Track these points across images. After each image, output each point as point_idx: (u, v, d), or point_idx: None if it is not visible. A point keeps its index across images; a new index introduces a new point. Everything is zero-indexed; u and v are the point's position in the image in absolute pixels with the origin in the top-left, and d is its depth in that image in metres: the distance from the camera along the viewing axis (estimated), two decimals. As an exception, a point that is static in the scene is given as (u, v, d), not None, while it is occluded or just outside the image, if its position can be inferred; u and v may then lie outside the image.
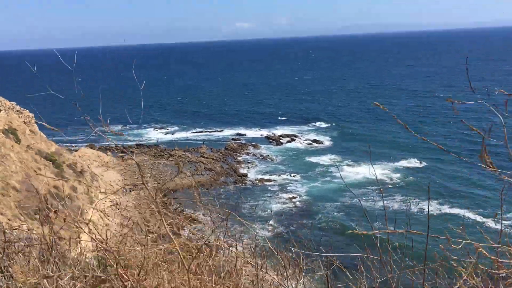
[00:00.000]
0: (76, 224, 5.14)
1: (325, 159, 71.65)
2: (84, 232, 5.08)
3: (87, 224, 5.13)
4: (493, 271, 4.03)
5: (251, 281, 5.29)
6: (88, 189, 47.38)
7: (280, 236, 41.57)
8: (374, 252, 4.91)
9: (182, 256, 4.70)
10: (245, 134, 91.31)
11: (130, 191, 57.50)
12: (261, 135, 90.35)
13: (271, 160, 73.79)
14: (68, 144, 76.80)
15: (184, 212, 51.76)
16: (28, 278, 4.71)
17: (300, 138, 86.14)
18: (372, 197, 54.84)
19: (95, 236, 4.97)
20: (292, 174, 65.66)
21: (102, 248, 4.89)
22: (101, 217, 37.40)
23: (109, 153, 73.45)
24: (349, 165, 67.55)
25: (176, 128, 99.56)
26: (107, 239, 4.99)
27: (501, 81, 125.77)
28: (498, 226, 44.38)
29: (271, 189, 60.58)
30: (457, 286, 4.10)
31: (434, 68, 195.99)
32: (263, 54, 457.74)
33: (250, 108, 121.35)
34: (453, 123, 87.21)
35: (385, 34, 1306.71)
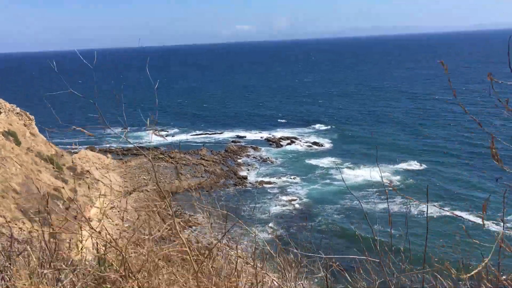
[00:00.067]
0: (84, 223, 5.15)
1: (325, 162, 71.63)
2: (94, 231, 5.08)
3: (99, 221, 5.14)
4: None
5: (250, 283, 5.30)
6: (89, 188, 47.37)
7: (280, 239, 41.54)
8: (373, 255, 4.92)
9: (192, 259, 4.71)
10: (245, 137, 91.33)
11: (130, 193, 57.51)
12: (261, 137, 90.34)
13: (271, 162, 73.78)
14: (68, 147, 76.80)
15: (185, 214, 51.74)
16: (28, 280, 4.72)
17: (300, 141, 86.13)
18: (372, 200, 54.82)
19: (105, 236, 4.98)
20: (292, 177, 65.64)
21: (111, 248, 4.90)
22: (107, 218, 37.36)
23: (109, 155, 73.45)
24: (349, 168, 67.53)
25: (176, 130, 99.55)
26: (117, 239, 5.00)
27: (502, 84, 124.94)
28: (499, 228, 44.35)
29: (271, 191, 60.56)
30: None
31: (434, 71, 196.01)
32: (263, 56, 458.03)
33: (251, 111, 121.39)
34: (453, 126, 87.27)
35: (386, 36, 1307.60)
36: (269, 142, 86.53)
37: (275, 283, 5.19)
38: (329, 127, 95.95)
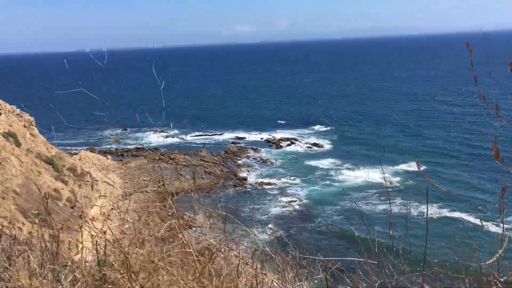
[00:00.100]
0: (87, 224, 5.16)
1: (325, 163, 71.63)
2: (99, 232, 5.09)
3: (105, 220, 5.15)
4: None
5: (250, 284, 5.30)
6: (87, 191, 47.41)
7: (280, 240, 41.53)
8: (373, 256, 4.92)
9: (197, 260, 4.72)
10: (245, 138, 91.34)
11: (130, 194, 57.53)
12: (261, 138, 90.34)
13: (271, 163, 73.77)
14: (68, 148, 76.82)
15: (184, 215, 51.72)
16: (28, 281, 4.72)
17: (300, 142, 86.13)
18: (372, 201, 54.85)
19: (109, 237, 4.99)
20: (292, 178, 65.64)
21: (114, 248, 4.91)
22: (107, 220, 37.39)
23: (109, 156, 73.47)
24: (349, 169, 67.58)
25: (176, 131, 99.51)
26: (120, 239, 5.01)
27: (502, 85, 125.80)
28: (498, 230, 44.37)
29: (271, 192, 60.54)
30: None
31: (434, 72, 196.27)
32: (263, 57, 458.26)
33: (250, 111, 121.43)
34: (453, 127, 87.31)
35: (386, 37, 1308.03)
36: (269, 143, 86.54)
37: (275, 284, 5.19)
38: (329, 128, 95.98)
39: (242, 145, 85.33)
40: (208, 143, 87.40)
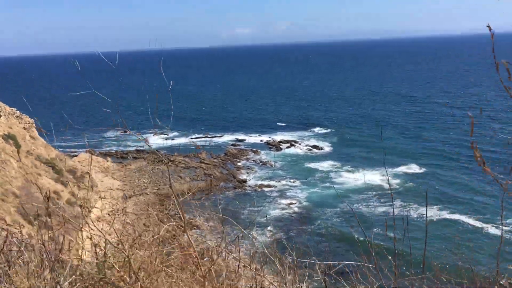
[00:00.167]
0: (89, 225, 5.16)
1: (324, 165, 71.62)
2: (99, 233, 5.09)
3: (107, 222, 5.15)
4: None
5: (250, 286, 5.30)
6: (89, 191, 47.33)
7: (279, 242, 41.51)
8: (372, 259, 4.92)
9: (199, 263, 4.73)
10: (244, 140, 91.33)
11: (130, 196, 57.51)
12: (261, 140, 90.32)
13: (271, 165, 73.74)
14: (68, 150, 76.81)
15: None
16: (27, 284, 4.72)
17: (299, 144, 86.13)
18: (372, 203, 54.84)
19: (112, 238, 4.99)
20: (292, 180, 65.61)
21: (116, 250, 4.91)
22: (107, 221, 37.37)
23: (108, 158, 73.47)
24: (349, 171, 67.58)
25: (175, 133, 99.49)
26: (124, 242, 5.01)
27: (501, 87, 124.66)
28: (498, 232, 44.31)
29: (271, 194, 60.50)
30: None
31: (433, 73, 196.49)
32: (263, 59, 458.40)
33: (250, 114, 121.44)
34: (452, 129, 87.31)
35: (386, 39, 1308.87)
36: (268, 145, 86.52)
37: (273, 286, 5.19)
38: (328, 130, 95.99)
39: (242, 147, 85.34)
40: (208, 145, 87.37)
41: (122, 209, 51.68)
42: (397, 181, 61.34)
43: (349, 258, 5.24)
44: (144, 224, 45.69)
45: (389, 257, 4.82)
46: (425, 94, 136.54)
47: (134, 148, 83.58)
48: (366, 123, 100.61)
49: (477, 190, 56.23)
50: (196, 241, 6.09)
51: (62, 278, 4.79)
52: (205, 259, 5.27)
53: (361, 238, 39.61)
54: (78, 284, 4.79)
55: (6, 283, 4.77)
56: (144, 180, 64.20)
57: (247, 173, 69.76)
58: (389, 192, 57.98)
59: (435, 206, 51.37)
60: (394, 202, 53.77)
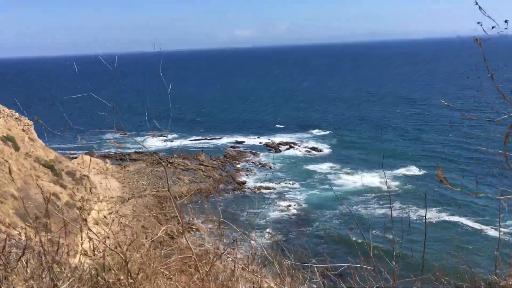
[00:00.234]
0: (87, 229, 5.16)
1: (323, 167, 71.61)
2: (99, 238, 5.09)
3: (105, 224, 5.15)
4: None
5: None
6: (90, 191, 47.35)
7: (278, 244, 41.46)
8: (370, 261, 4.92)
9: (197, 265, 4.73)
10: (244, 142, 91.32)
11: (129, 198, 57.48)
12: (260, 142, 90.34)
13: (270, 167, 73.72)
14: (67, 152, 76.76)
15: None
16: (25, 285, 4.72)
17: (299, 146, 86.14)
18: (371, 205, 54.84)
19: (110, 242, 4.99)
20: (291, 182, 65.61)
21: (114, 253, 4.91)
22: (106, 224, 37.34)
23: (108, 160, 73.41)
24: (348, 173, 67.58)
25: (175, 135, 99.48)
26: (121, 243, 5.01)
27: (499, 88, 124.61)
28: (497, 234, 44.28)
29: (270, 196, 60.47)
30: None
31: (432, 75, 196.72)
32: (262, 60, 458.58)
33: (249, 116, 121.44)
34: (451, 131, 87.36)
35: (386, 41, 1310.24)
36: (268, 147, 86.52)
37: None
38: (328, 132, 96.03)
39: (241, 149, 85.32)
40: (207, 147, 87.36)
41: (116, 211, 51.65)
42: (396, 183, 61.36)
43: (348, 261, 5.24)
44: (143, 226, 45.67)
45: (387, 260, 4.82)
46: (424, 96, 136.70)
47: (133, 150, 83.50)
48: (365, 125, 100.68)
49: (476, 191, 56.12)
50: (195, 243, 6.09)
51: (61, 281, 4.79)
52: (203, 261, 5.27)
53: (359, 241, 39.65)
54: (76, 286, 4.79)
55: (5, 285, 4.77)
56: (143, 182, 64.18)
57: (246, 175, 69.75)
58: (388, 194, 57.96)
59: (434, 208, 51.36)
60: (393, 204, 53.76)
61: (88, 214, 44.68)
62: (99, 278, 4.82)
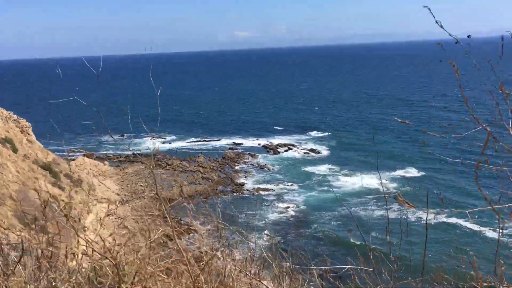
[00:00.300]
0: (79, 233, 5.14)
1: (322, 169, 71.63)
2: (89, 242, 5.07)
3: (101, 226, 5.13)
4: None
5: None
6: (88, 194, 47.27)
7: (276, 246, 41.42)
8: (370, 263, 4.91)
9: (190, 269, 4.71)
10: (242, 144, 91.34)
11: (127, 200, 57.41)
12: (259, 144, 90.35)
13: (269, 169, 73.73)
14: (65, 154, 76.64)
15: (180, 222, 51.63)
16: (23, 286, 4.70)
17: (297, 148, 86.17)
18: (369, 207, 54.84)
19: (100, 248, 4.97)
20: (289, 184, 65.61)
21: (106, 258, 4.89)
22: (103, 226, 37.29)
23: (106, 162, 73.35)
24: (346, 175, 67.59)
25: (173, 137, 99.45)
26: (113, 246, 4.99)
27: (494, 90, 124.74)
28: (496, 235, 44.32)
29: (268, 198, 60.48)
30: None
31: (430, 78, 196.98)
32: (262, 62, 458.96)
33: (248, 117, 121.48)
34: (450, 132, 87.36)
35: (385, 43, 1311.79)
36: (266, 149, 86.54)
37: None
38: (326, 134, 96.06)
39: (240, 151, 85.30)
40: (206, 149, 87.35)
41: (111, 214, 51.57)
42: (395, 185, 61.40)
43: (347, 262, 5.22)
44: (141, 229, 45.60)
45: (387, 262, 4.81)
46: (422, 98, 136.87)
47: (131, 152, 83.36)
48: (364, 127, 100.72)
49: (474, 194, 56.28)
50: (193, 245, 6.08)
51: (58, 283, 4.77)
52: (200, 263, 5.25)
53: (358, 242, 39.66)
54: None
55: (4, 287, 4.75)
56: (141, 184, 64.11)
57: (245, 177, 69.74)
58: (387, 195, 57.96)
59: (432, 210, 51.21)
60: (391, 206, 53.79)
61: (88, 214, 44.64)
62: (94, 281, 4.80)
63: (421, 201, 53.67)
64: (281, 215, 54.90)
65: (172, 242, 5.16)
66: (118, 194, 59.59)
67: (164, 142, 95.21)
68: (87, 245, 5.02)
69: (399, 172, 66.21)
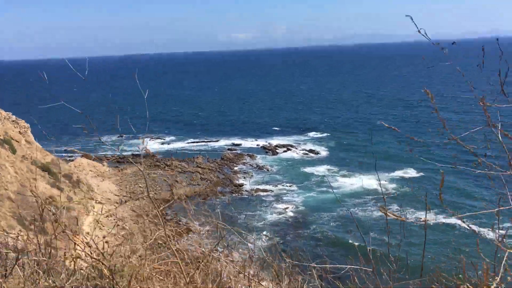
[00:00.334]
0: (75, 237, 5.13)
1: (321, 169, 71.63)
2: (82, 247, 5.06)
3: (99, 227, 5.12)
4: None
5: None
6: (84, 197, 47.25)
7: (275, 247, 41.37)
8: (369, 264, 4.91)
9: (183, 270, 4.69)
10: (241, 144, 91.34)
11: (126, 201, 57.37)
12: (257, 145, 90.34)
13: (267, 170, 73.72)
14: (64, 154, 76.60)
15: (180, 222, 51.63)
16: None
17: (296, 148, 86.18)
18: (368, 207, 54.84)
19: (94, 252, 4.96)
20: (288, 184, 65.58)
21: (99, 263, 4.88)
22: (99, 227, 37.27)
23: (105, 163, 73.22)
24: (345, 176, 67.60)
25: (172, 138, 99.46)
26: (104, 253, 4.97)
27: (494, 91, 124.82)
28: (494, 237, 44.38)
29: (267, 199, 60.46)
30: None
31: (429, 78, 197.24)
32: (261, 63, 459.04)
33: (247, 118, 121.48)
34: (447, 134, 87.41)
35: (385, 44, 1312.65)
36: (265, 149, 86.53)
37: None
38: (325, 134, 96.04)
39: (238, 151, 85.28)
40: (205, 150, 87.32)
41: (109, 215, 51.56)
42: (393, 185, 61.41)
43: (346, 263, 5.22)
44: (139, 230, 45.58)
45: (387, 262, 4.80)
46: (422, 98, 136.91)
47: (130, 153, 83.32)
48: (363, 127, 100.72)
49: (473, 194, 56.35)
50: (191, 246, 6.07)
51: (57, 284, 4.76)
52: (196, 264, 5.24)
53: (357, 243, 39.65)
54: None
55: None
56: (140, 185, 64.05)
57: (244, 178, 69.71)
58: (386, 196, 57.94)
59: (431, 211, 51.18)
60: (390, 207, 53.73)
61: (87, 215, 44.61)
62: (95, 282, 4.79)
63: (420, 202, 53.67)
64: (280, 215, 54.88)
65: (168, 242, 5.15)
66: (117, 195, 59.54)
67: (163, 143, 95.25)
68: (79, 249, 5.01)
69: (398, 173, 66.24)
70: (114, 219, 49.18)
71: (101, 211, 48.58)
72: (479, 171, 4.44)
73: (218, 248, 5.80)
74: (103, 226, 43.81)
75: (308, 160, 78.64)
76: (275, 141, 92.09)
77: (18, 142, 49.37)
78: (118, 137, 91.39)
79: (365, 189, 59.19)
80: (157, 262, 5.18)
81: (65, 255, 5.38)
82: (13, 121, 54.76)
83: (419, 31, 4.37)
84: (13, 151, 45.89)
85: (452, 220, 49.66)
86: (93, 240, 5.08)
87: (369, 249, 4.83)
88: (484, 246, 4.60)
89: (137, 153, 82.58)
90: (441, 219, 49.97)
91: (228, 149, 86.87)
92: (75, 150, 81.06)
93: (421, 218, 4.73)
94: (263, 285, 5.18)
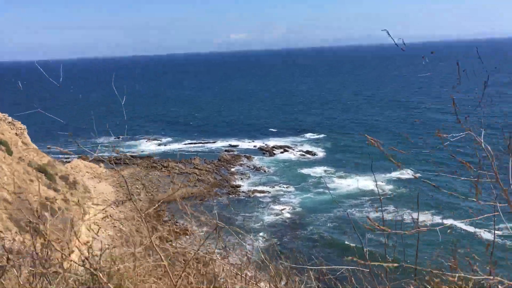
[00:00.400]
0: (66, 247, 5.13)
1: (318, 171, 71.66)
2: (65, 255, 5.06)
3: (90, 230, 5.12)
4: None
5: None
6: (78, 201, 47.11)
7: (272, 248, 41.36)
8: (366, 264, 4.92)
9: (170, 272, 4.69)
10: (238, 146, 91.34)
11: (122, 203, 57.28)
12: (254, 146, 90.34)
13: (264, 171, 73.73)
14: (60, 156, 76.42)
15: (177, 224, 51.60)
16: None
17: (293, 149, 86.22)
18: (365, 208, 54.88)
19: (87, 257, 4.95)
20: (285, 185, 65.59)
21: (92, 268, 4.87)
22: (93, 230, 37.18)
23: (101, 164, 73.13)
24: (342, 177, 67.65)
25: (169, 139, 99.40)
26: (97, 258, 4.96)
27: (492, 94, 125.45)
28: (491, 237, 44.48)
29: (264, 200, 60.49)
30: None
31: (428, 79, 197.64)
32: (261, 63, 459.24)
33: (244, 119, 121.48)
34: (445, 134, 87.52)
35: (384, 44, 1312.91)
36: (262, 151, 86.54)
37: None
38: (322, 136, 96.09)
39: (235, 153, 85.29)
40: (201, 151, 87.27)
41: (106, 217, 51.48)
42: (390, 187, 61.47)
43: (343, 264, 5.23)
44: (137, 231, 45.50)
45: (383, 263, 4.81)
46: (420, 99, 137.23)
47: (128, 154, 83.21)
48: (360, 128, 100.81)
49: (470, 195, 56.35)
50: (190, 246, 6.07)
51: (54, 286, 4.76)
52: (197, 266, 5.24)
53: (353, 244, 39.68)
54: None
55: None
56: (137, 186, 64.00)
57: (241, 179, 69.72)
58: (382, 197, 58.01)
59: (427, 212, 51.46)
60: (387, 208, 53.80)
61: (83, 216, 44.46)
62: (91, 284, 4.79)
63: (416, 203, 53.69)
64: (277, 217, 54.89)
65: (158, 247, 5.15)
66: (115, 200, 59.44)
67: (159, 144, 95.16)
68: (74, 252, 5.02)
69: (395, 174, 66.28)
70: (111, 221, 49.14)
71: (97, 213, 48.47)
72: (463, 178, 4.47)
73: (216, 250, 5.80)
74: (100, 228, 43.78)
75: (305, 161, 78.68)
76: (272, 142, 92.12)
77: (15, 144, 49.26)
78: (115, 138, 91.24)
79: (361, 190, 59.27)
80: (151, 264, 5.17)
81: (62, 257, 5.37)
82: (9, 122, 54.61)
83: (396, 45, 4.36)
84: (9, 153, 45.78)
85: (449, 221, 49.74)
86: (88, 243, 5.08)
87: (366, 250, 4.84)
88: (480, 247, 4.61)
89: (134, 154, 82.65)
90: (437, 220, 50.12)
91: (225, 150, 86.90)
92: (70, 152, 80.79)
93: (416, 219, 4.75)
94: (260, 287, 5.19)
